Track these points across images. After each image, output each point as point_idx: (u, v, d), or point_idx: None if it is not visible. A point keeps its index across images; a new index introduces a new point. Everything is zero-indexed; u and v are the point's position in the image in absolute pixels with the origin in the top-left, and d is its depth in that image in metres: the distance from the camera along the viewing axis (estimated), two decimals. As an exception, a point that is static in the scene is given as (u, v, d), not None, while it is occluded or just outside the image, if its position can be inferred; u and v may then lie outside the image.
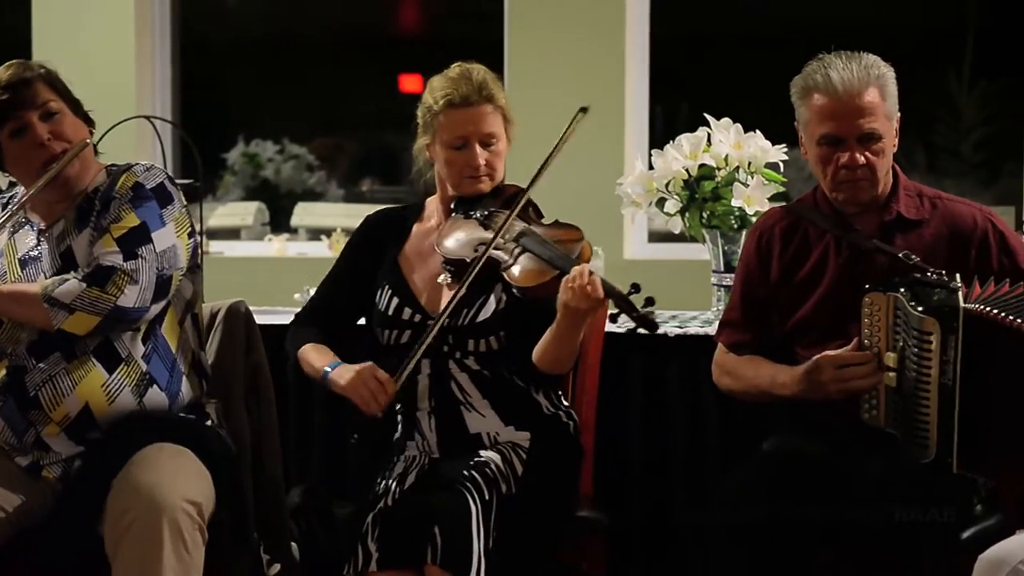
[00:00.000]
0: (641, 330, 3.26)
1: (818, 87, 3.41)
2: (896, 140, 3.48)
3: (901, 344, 3.26)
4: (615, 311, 3.31)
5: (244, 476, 3.52)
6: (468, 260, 3.48)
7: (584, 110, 3.54)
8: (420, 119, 3.67)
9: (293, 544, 3.58)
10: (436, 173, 3.68)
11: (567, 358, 3.49)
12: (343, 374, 3.48)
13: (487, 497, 3.36)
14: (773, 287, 3.55)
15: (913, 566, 3.20)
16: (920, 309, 3.20)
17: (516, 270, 3.45)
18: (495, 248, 3.46)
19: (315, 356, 3.59)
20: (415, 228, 3.72)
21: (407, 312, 3.59)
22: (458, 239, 3.54)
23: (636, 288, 3.30)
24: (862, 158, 3.40)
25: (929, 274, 3.30)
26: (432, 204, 3.74)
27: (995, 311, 3.15)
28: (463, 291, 3.45)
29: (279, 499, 3.61)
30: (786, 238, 3.56)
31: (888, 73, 3.44)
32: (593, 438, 3.76)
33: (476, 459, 3.46)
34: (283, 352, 3.74)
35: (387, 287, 3.64)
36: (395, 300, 3.61)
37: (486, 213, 3.58)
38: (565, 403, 3.67)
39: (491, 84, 3.61)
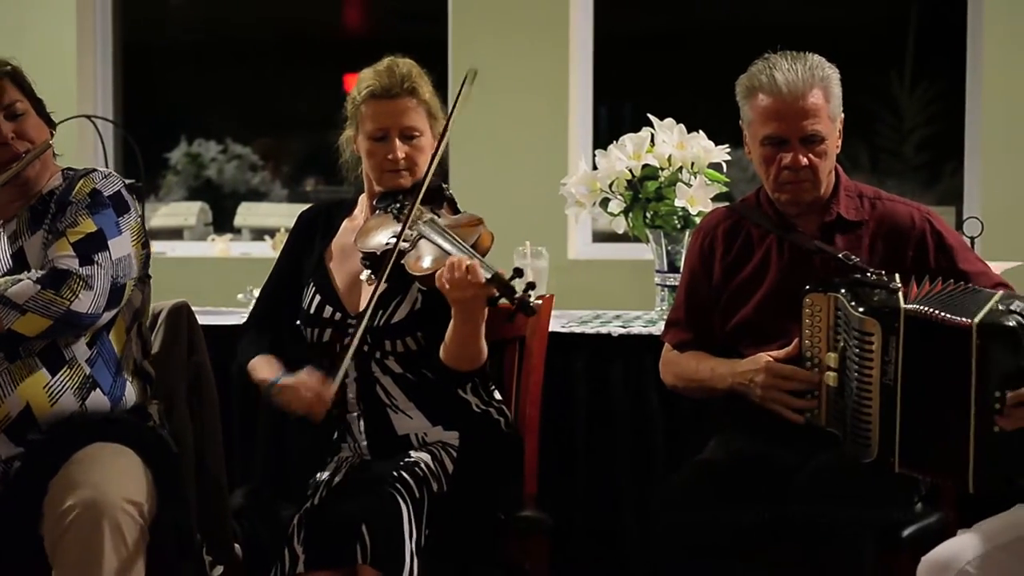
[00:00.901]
0: (521, 313, 3.22)
1: (762, 87, 3.42)
2: (839, 141, 3.50)
3: (842, 344, 3.27)
4: (495, 295, 3.26)
5: (186, 477, 3.50)
6: (379, 254, 3.46)
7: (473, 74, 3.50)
8: (347, 111, 3.67)
9: (236, 545, 3.56)
10: (364, 168, 3.68)
11: (470, 354, 3.45)
12: (285, 388, 3.47)
13: (417, 496, 3.35)
14: (716, 288, 3.56)
15: (854, 565, 3.21)
16: (861, 310, 3.22)
17: (414, 260, 3.42)
18: (403, 240, 3.42)
19: (261, 371, 3.57)
20: (344, 224, 3.71)
21: (328, 310, 3.58)
22: (374, 234, 3.52)
23: (519, 273, 3.28)
24: (805, 159, 3.42)
25: (869, 275, 3.32)
26: (362, 200, 3.73)
27: (935, 310, 3.17)
28: (381, 286, 3.42)
29: (222, 500, 3.59)
30: (729, 239, 3.58)
31: (833, 74, 3.46)
32: (537, 438, 3.76)
33: (406, 459, 3.45)
34: (226, 352, 3.72)
35: (312, 285, 3.63)
36: (317, 298, 3.60)
37: (399, 206, 3.56)
38: (498, 398, 3.65)
39: (416, 78, 3.59)
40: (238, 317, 4.36)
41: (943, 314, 3.16)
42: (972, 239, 4.28)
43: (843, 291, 3.28)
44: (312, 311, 3.59)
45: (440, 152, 3.54)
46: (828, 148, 3.45)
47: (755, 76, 3.45)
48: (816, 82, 3.41)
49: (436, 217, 3.53)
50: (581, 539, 4.07)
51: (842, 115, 3.49)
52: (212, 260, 6.53)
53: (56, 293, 3.29)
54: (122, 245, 3.40)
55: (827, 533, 3.21)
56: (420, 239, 3.44)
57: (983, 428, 3.08)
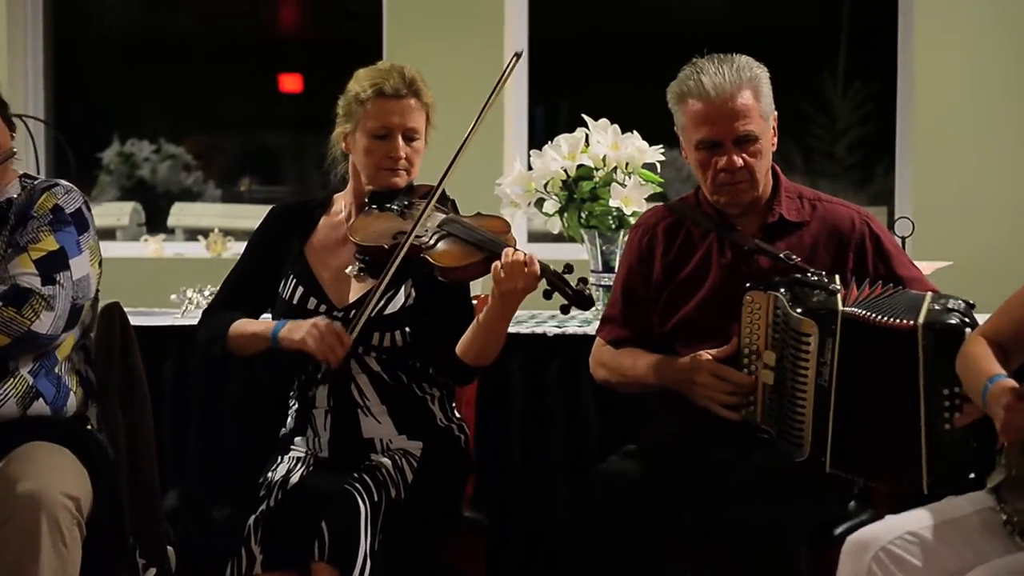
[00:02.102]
0: (575, 308, 3.32)
1: (692, 93, 3.43)
2: (775, 139, 3.51)
3: (780, 343, 3.30)
4: (548, 288, 3.35)
5: (120, 479, 3.48)
6: (386, 247, 3.48)
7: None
8: (342, 108, 3.66)
9: (169, 548, 3.54)
10: (351, 165, 3.68)
11: (494, 347, 3.50)
12: (296, 329, 3.47)
13: (376, 499, 3.35)
14: (656, 285, 3.57)
15: (788, 563, 3.23)
16: (799, 311, 3.24)
17: (439, 253, 3.46)
18: (417, 236, 3.46)
19: (253, 324, 3.57)
20: (322, 220, 3.72)
21: (312, 302, 3.59)
22: (374, 229, 3.54)
23: (569, 269, 3.37)
24: (740, 160, 3.43)
25: (810, 275, 3.34)
26: (342, 198, 3.74)
27: (872, 315, 3.20)
28: (388, 278, 3.44)
29: (155, 502, 3.57)
30: (669, 237, 3.59)
31: (761, 74, 3.47)
32: (473, 438, 3.77)
33: (367, 462, 3.46)
34: (159, 354, 3.70)
35: (292, 277, 3.63)
36: (300, 289, 3.61)
37: (406, 204, 3.58)
38: (458, 416, 3.68)
39: (420, 82, 3.64)
40: (171, 318, 4.34)
41: (884, 318, 3.19)
42: (903, 239, 4.32)
43: (783, 291, 3.30)
44: (295, 302, 3.60)
45: (460, 152, 3.55)
46: (763, 147, 3.46)
47: (684, 82, 3.46)
48: (745, 83, 3.42)
49: (457, 214, 3.58)
50: (517, 538, 4.08)
51: (775, 113, 3.51)
52: (145, 261, 6.49)
53: (18, 312, 3.28)
54: (82, 265, 3.40)
55: (761, 532, 3.23)
56: (447, 235, 3.48)
57: (934, 427, 3.11)
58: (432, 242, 3.48)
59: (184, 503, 3.57)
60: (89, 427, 3.48)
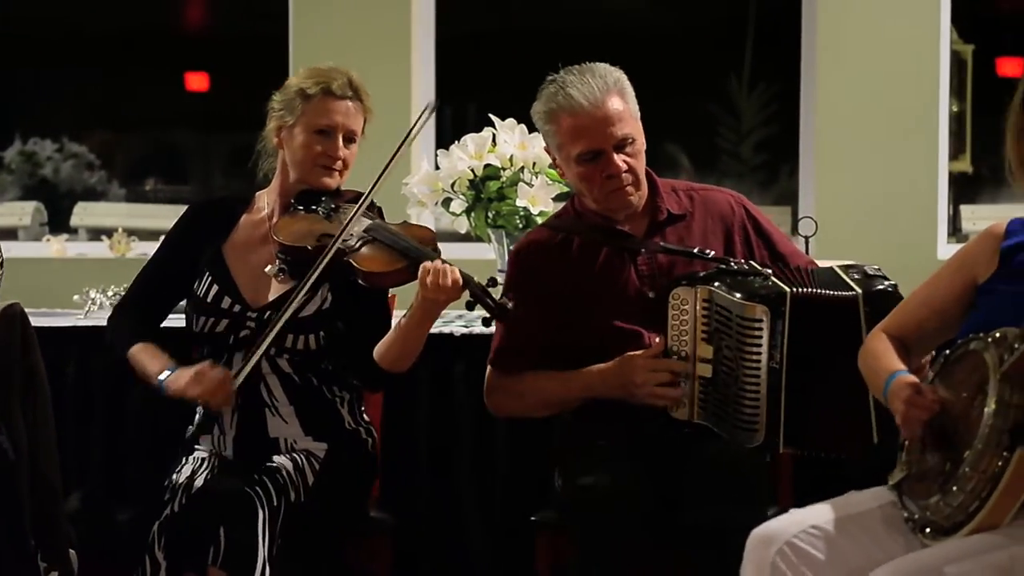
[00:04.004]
0: (496, 320, 3.34)
1: (563, 108, 3.44)
2: (644, 138, 3.53)
3: (717, 335, 3.33)
4: (470, 300, 3.36)
5: (21, 480, 3.43)
6: (310, 248, 3.47)
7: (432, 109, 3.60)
8: (281, 102, 3.64)
9: (71, 550, 3.51)
10: (280, 161, 3.66)
11: (412, 353, 3.49)
12: (181, 377, 3.46)
13: (275, 504, 3.33)
14: (560, 304, 3.51)
15: (705, 563, 3.29)
16: (743, 298, 3.28)
17: (363, 258, 3.46)
18: (343, 239, 3.45)
19: (149, 361, 3.55)
20: (244, 218, 3.69)
21: (226, 301, 3.56)
22: (299, 230, 3.53)
23: (493, 282, 3.37)
24: (624, 164, 3.45)
25: (732, 264, 3.39)
26: (264, 196, 3.71)
27: (819, 290, 3.28)
28: (311, 281, 3.43)
29: (56, 504, 3.53)
30: (562, 255, 3.55)
31: (622, 77, 3.50)
32: (380, 438, 3.76)
33: (268, 464, 3.44)
34: (61, 354, 3.65)
35: (208, 275, 3.60)
36: (215, 288, 3.58)
37: (332, 207, 3.57)
38: (367, 420, 3.67)
39: (363, 88, 3.66)
40: (74, 319, 4.29)
41: (828, 292, 3.28)
42: (806, 238, 4.36)
43: (716, 283, 3.33)
44: (209, 300, 3.57)
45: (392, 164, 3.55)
46: (639, 147, 3.49)
47: (551, 100, 3.47)
48: (611, 88, 3.44)
49: (383, 221, 3.57)
50: (424, 539, 4.07)
51: (639, 112, 3.52)
52: (47, 261, 6.39)
53: None
54: None
55: (682, 533, 3.29)
56: (372, 240, 3.48)
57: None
58: (357, 246, 3.47)
59: (87, 505, 3.54)
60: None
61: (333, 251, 3.43)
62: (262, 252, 3.59)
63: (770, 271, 3.36)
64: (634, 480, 3.30)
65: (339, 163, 3.60)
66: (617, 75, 3.48)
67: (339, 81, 3.60)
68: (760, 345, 3.28)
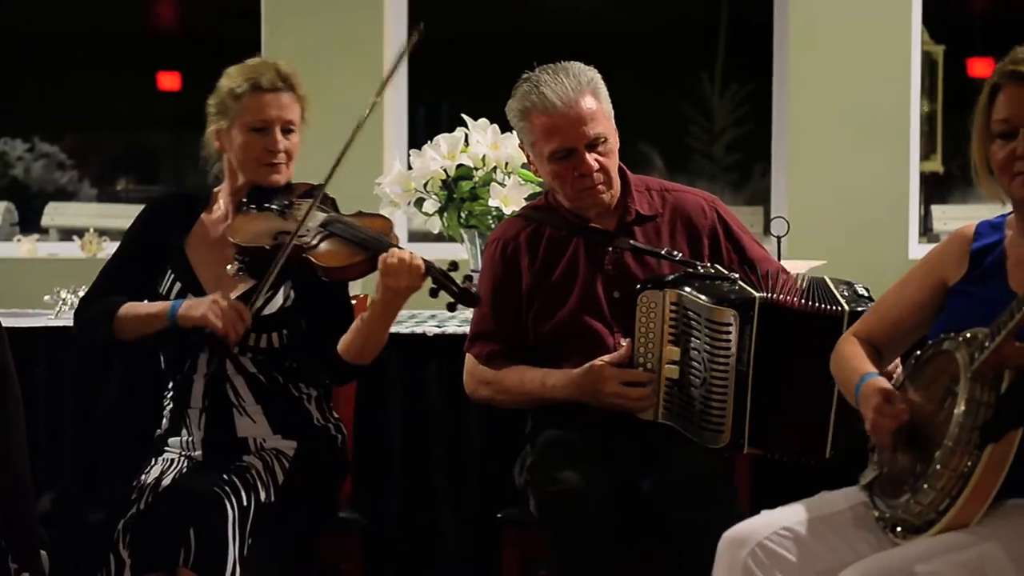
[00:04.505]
0: (461, 305, 3.34)
1: (536, 107, 3.47)
2: (617, 137, 3.55)
3: (684, 337, 3.35)
4: (434, 287, 3.36)
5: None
6: (267, 248, 3.45)
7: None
8: (215, 105, 3.62)
9: (43, 552, 3.49)
10: (226, 163, 3.64)
11: (375, 345, 3.49)
12: (196, 306, 3.44)
13: (245, 504, 3.33)
14: (526, 295, 3.57)
15: (675, 563, 3.30)
16: (713, 302, 3.31)
17: (322, 253, 3.45)
18: (299, 236, 3.44)
19: (147, 305, 3.53)
20: (203, 217, 3.67)
21: (189, 298, 3.54)
22: (254, 229, 3.51)
23: (454, 266, 3.37)
24: (596, 163, 3.48)
25: (699, 268, 3.42)
26: (220, 195, 3.69)
27: (788, 297, 3.31)
28: (272, 279, 3.42)
29: (28, 505, 3.51)
30: (532, 246, 3.59)
31: (596, 76, 3.53)
32: (352, 438, 3.75)
33: (237, 464, 3.43)
34: (31, 355, 3.64)
35: (170, 273, 3.59)
36: (178, 286, 3.57)
37: (285, 203, 3.56)
38: (336, 416, 3.66)
39: (293, 76, 3.62)
40: (45, 319, 4.27)
41: (804, 301, 3.31)
42: (779, 238, 4.37)
43: (684, 287, 3.36)
44: (172, 298, 3.56)
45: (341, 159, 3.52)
46: (612, 147, 3.52)
47: (525, 98, 3.50)
48: (585, 87, 3.47)
49: (338, 213, 3.56)
50: (396, 537, 4.07)
51: (613, 112, 3.54)
52: (18, 261, 6.38)
53: None
54: None
55: (653, 534, 3.30)
56: (329, 235, 3.47)
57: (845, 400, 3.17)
58: (315, 242, 3.46)
59: (58, 506, 3.52)
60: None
61: (290, 249, 3.42)
62: (222, 251, 3.57)
63: (736, 275, 3.39)
64: (604, 479, 3.32)
65: (281, 156, 3.58)
66: (591, 75, 3.51)
67: (267, 75, 3.57)
68: (728, 348, 3.31)
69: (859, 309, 3.29)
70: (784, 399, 3.33)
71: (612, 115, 3.53)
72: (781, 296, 3.32)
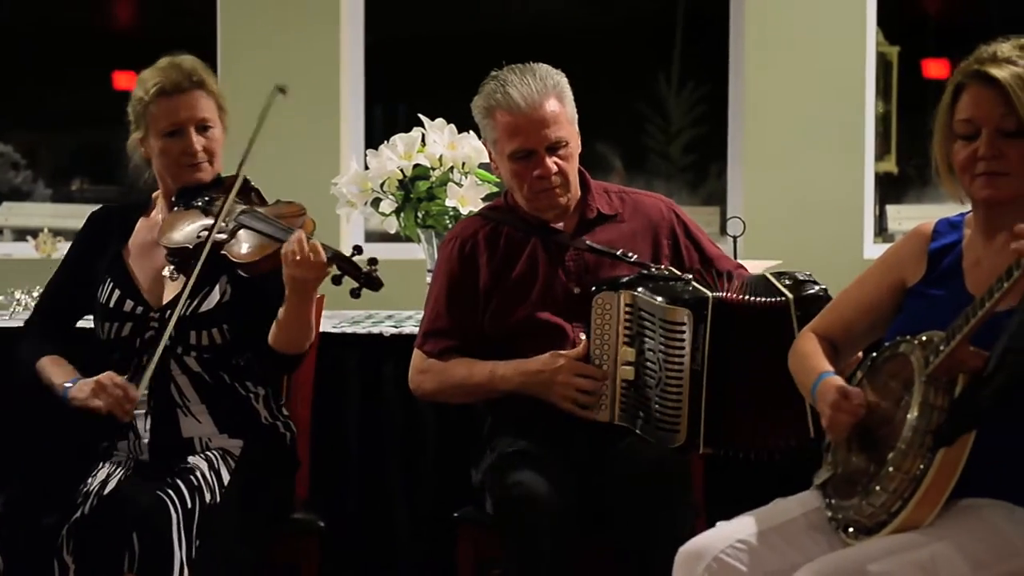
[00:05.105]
0: (367, 290, 3.31)
1: (500, 106, 3.50)
2: (579, 141, 3.57)
3: (639, 338, 3.36)
4: (338, 274, 3.34)
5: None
6: (191, 247, 3.45)
7: (282, 90, 3.50)
8: (131, 114, 3.63)
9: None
10: (155, 168, 3.63)
11: (301, 335, 3.47)
12: (83, 388, 3.44)
13: (190, 506, 3.31)
14: (484, 292, 3.58)
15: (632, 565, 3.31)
16: (667, 301, 3.33)
17: (236, 248, 3.44)
18: (217, 232, 3.43)
19: (54, 371, 3.54)
20: (140, 222, 3.68)
21: (128, 304, 3.54)
22: (181, 229, 3.51)
23: (358, 250, 3.35)
24: (554, 166, 3.51)
25: (653, 270, 3.44)
26: (158, 199, 3.70)
27: (747, 296, 3.33)
28: (193, 279, 3.41)
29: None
30: (491, 244, 3.61)
31: (562, 80, 3.56)
32: (308, 438, 3.75)
33: (182, 466, 3.42)
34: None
35: (109, 280, 3.59)
36: (117, 292, 3.56)
37: (207, 199, 3.55)
38: (285, 414, 3.65)
39: (201, 71, 3.60)
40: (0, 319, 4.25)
41: (758, 298, 3.33)
42: (735, 238, 4.39)
43: (639, 288, 3.38)
44: (111, 305, 3.55)
45: (250, 150, 3.50)
46: (572, 150, 3.54)
47: (491, 96, 3.53)
48: (550, 90, 3.50)
49: (253, 206, 3.54)
50: (353, 537, 4.07)
51: (576, 116, 3.56)
52: (-28, 261, 6.34)
53: None
54: None
55: (640, 538, 3.29)
56: (240, 228, 3.46)
57: None
58: (230, 237, 3.45)
59: (10, 509, 3.49)
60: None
61: (209, 245, 3.41)
62: (157, 255, 3.58)
63: (691, 276, 3.41)
64: (563, 481, 3.33)
65: (201, 155, 3.57)
66: (558, 78, 3.54)
67: (171, 77, 3.56)
68: (683, 348, 3.32)
69: (805, 293, 3.32)
70: (738, 397, 3.35)
71: (575, 119, 3.56)
72: (733, 294, 3.35)
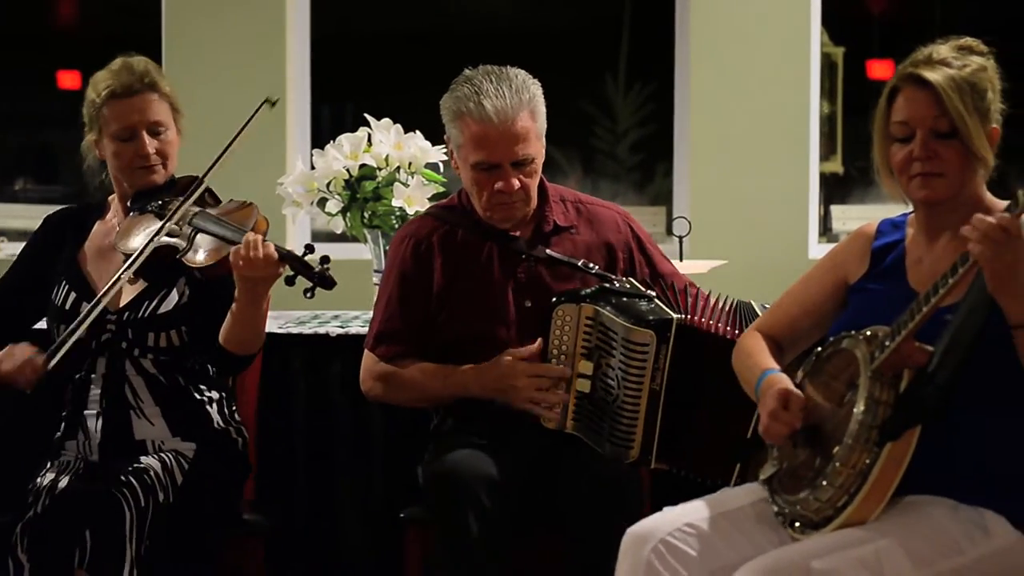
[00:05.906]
0: (320, 288, 3.29)
1: (471, 114, 3.42)
2: (544, 153, 3.53)
3: (598, 352, 3.35)
4: (291, 274, 3.32)
5: None
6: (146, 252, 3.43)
7: (271, 103, 3.50)
8: (85, 116, 3.61)
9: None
10: (110, 170, 3.62)
11: (253, 335, 3.46)
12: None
13: (143, 505, 3.30)
14: (437, 295, 3.55)
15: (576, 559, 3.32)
16: (631, 321, 3.31)
17: (192, 253, 3.43)
18: (170, 236, 3.42)
19: None
20: (96, 226, 3.66)
21: (84, 307, 3.52)
22: (135, 234, 3.50)
23: (310, 249, 3.33)
24: (517, 183, 3.46)
25: (615, 284, 3.42)
26: (113, 202, 3.68)
27: (705, 320, 3.32)
28: (130, 274, 3.40)
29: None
30: (445, 246, 3.57)
31: (537, 92, 3.49)
32: (254, 439, 3.73)
33: (136, 465, 3.40)
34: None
35: (64, 283, 3.57)
36: (72, 295, 3.55)
37: (160, 203, 3.53)
38: (238, 419, 3.64)
39: (154, 73, 3.58)
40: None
41: (715, 322, 3.33)
42: (680, 239, 4.40)
43: (601, 302, 3.35)
44: (67, 307, 3.53)
45: (220, 160, 3.51)
46: (537, 167, 3.49)
47: (462, 102, 3.44)
48: (524, 105, 3.43)
49: (206, 209, 3.52)
50: (300, 538, 4.06)
51: (545, 127, 3.52)
52: (-87, 262, 6.28)
53: None
54: None
55: (584, 530, 3.30)
56: (196, 233, 3.44)
57: None
58: (185, 244, 3.45)
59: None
60: None
61: (154, 245, 3.41)
62: (113, 258, 3.56)
63: (654, 293, 3.38)
64: (498, 464, 3.32)
65: (154, 157, 3.55)
66: (534, 91, 3.47)
67: (122, 79, 3.54)
68: (643, 368, 3.30)
69: None
70: (695, 419, 3.34)
71: (544, 132, 3.50)
72: (699, 319, 3.33)
